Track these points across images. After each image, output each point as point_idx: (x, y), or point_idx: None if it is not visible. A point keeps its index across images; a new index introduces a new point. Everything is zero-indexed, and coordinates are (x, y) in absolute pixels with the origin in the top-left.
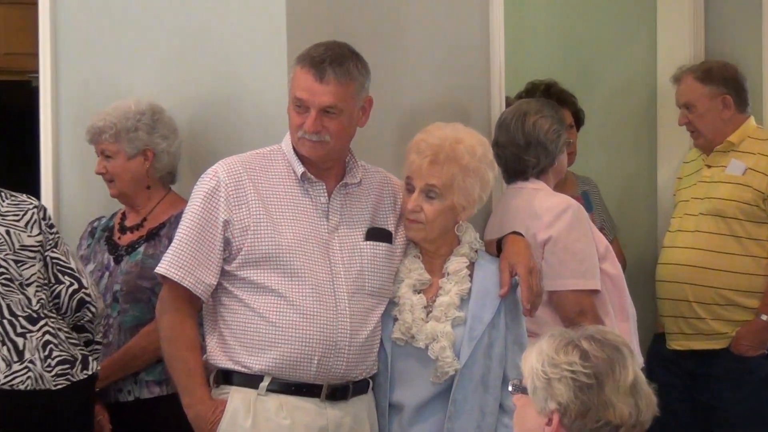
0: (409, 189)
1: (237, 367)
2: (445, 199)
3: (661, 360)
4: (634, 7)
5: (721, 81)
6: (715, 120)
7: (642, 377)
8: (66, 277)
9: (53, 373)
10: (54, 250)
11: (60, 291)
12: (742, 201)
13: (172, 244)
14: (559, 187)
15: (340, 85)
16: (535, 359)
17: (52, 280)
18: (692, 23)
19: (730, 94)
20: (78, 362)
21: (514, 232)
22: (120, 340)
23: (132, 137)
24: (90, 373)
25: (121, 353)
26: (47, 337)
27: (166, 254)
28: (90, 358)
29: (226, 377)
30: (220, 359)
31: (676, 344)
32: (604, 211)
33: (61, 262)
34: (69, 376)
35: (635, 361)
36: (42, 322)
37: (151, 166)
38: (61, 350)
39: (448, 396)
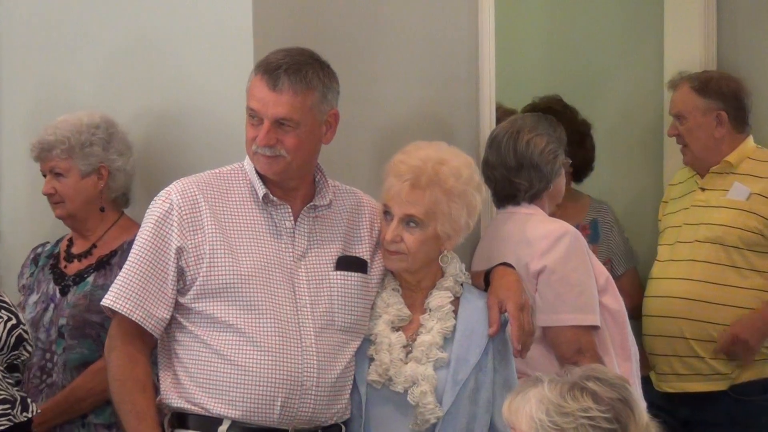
0: (387, 216)
1: (194, 409)
2: (428, 228)
3: (650, 408)
4: (640, 13)
5: (718, 95)
6: (706, 136)
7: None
8: (3, 311)
9: None
10: None
11: None
12: (746, 228)
13: (121, 273)
14: (570, 211)
15: (296, 95)
16: (537, 409)
17: None
18: (702, 31)
19: (727, 111)
20: (18, 403)
21: (504, 264)
22: (64, 378)
23: (87, 153)
24: (29, 416)
25: (66, 394)
26: None
27: (113, 284)
28: (28, 400)
29: (182, 420)
30: (174, 400)
31: (667, 386)
32: (616, 242)
33: None
34: (11, 417)
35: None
36: None
37: (105, 186)
38: (0, 389)
39: None
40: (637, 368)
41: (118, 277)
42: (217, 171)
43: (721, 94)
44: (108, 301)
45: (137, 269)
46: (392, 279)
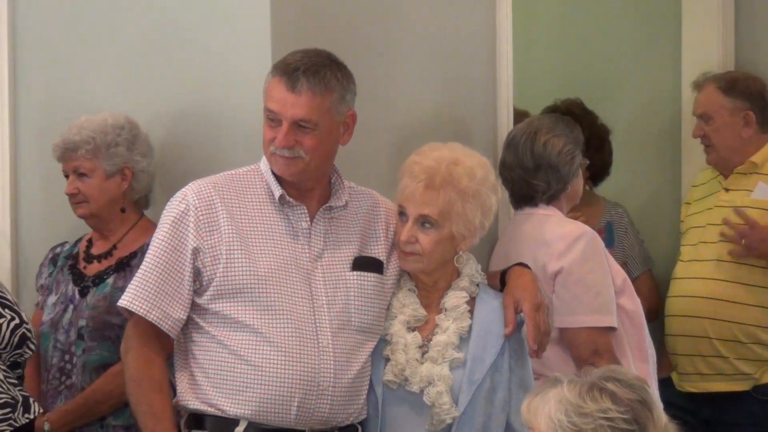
0: (402, 217)
1: (210, 410)
2: (443, 228)
3: (670, 408)
4: (658, 14)
5: (746, 95)
6: (733, 137)
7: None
8: (6, 310)
9: None
10: None
11: (0, 325)
12: None
13: (137, 274)
14: (585, 214)
15: (315, 96)
16: (556, 409)
17: None
18: (720, 32)
19: (754, 111)
20: (19, 404)
21: (520, 264)
22: (83, 380)
23: (112, 153)
24: (32, 417)
25: (85, 396)
26: None
27: (130, 285)
28: (31, 399)
29: (198, 421)
30: (191, 401)
31: (690, 386)
32: (631, 244)
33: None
34: (11, 421)
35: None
36: None
37: (129, 187)
38: (1, 392)
39: None
40: (654, 369)
41: (134, 278)
42: (233, 172)
43: (749, 94)
44: (125, 301)
45: (154, 270)
46: (408, 279)
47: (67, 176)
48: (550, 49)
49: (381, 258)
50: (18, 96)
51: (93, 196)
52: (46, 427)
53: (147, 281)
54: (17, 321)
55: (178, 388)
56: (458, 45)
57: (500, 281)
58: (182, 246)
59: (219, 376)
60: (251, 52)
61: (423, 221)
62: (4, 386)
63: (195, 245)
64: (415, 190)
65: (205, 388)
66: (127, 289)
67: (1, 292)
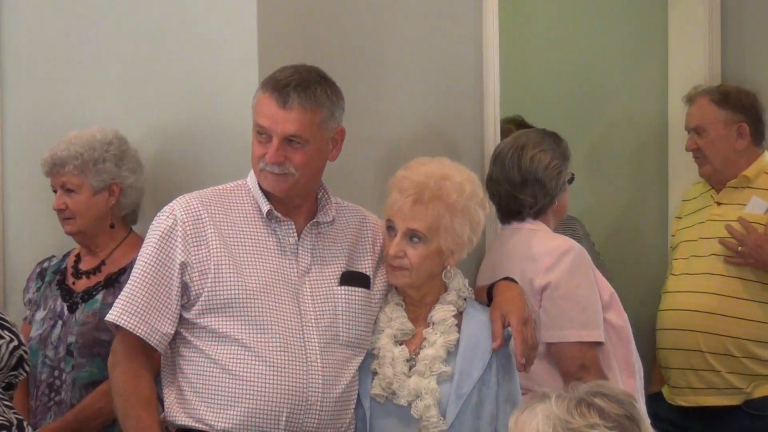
0: (391, 231)
1: (198, 425)
2: (431, 243)
3: (660, 423)
4: (645, 26)
5: (739, 107)
6: (727, 149)
7: None
8: (5, 331)
9: None
10: None
11: (0, 346)
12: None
13: (125, 288)
14: None
15: (306, 112)
16: (544, 424)
17: None
18: (707, 45)
19: (747, 123)
20: (14, 427)
21: (506, 278)
22: (73, 396)
23: (99, 169)
24: None
25: (75, 414)
26: None
27: (117, 300)
28: (24, 423)
29: None
30: (179, 416)
31: (682, 400)
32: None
33: None
34: None
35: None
36: None
37: (116, 203)
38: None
39: None
40: (641, 384)
41: (122, 293)
42: (221, 187)
43: (742, 106)
44: (112, 316)
45: (141, 285)
46: (395, 294)
47: (55, 191)
48: (537, 62)
49: (368, 273)
50: (5, 109)
51: (80, 212)
52: None
53: (135, 296)
54: (16, 343)
55: (165, 403)
56: (445, 59)
57: (487, 295)
58: (170, 260)
59: (207, 390)
60: (239, 68)
61: (411, 235)
62: (0, 408)
63: (183, 260)
64: (404, 204)
65: (193, 403)
66: (114, 304)
67: (0, 313)
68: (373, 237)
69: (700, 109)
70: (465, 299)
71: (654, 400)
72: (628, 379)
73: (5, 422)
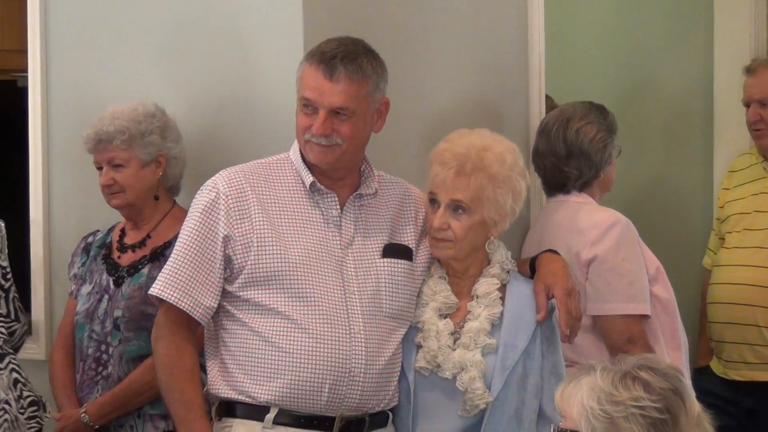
0: (434, 204)
1: (241, 398)
2: (475, 214)
3: (708, 397)
4: (690, 3)
5: None
6: None
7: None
8: (22, 315)
9: (26, 415)
10: (11, 281)
11: (16, 330)
12: None
13: (168, 262)
14: None
15: (352, 84)
16: (588, 396)
17: (12, 317)
18: (752, 21)
19: None
20: (41, 403)
21: (550, 250)
22: (120, 371)
23: (147, 142)
24: (48, 416)
25: (123, 387)
26: (15, 375)
27: (161, 274)
28: (43, 399)
29: (229, 409)
30: (222, 389)
31: (736, 374)
32: None
33: (17, 298)
34: (38, 419)
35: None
36: (6, 359)
37: (163, 174)
38: (28, 390)
39: (478, 431)
40: (687, 358)
41: (165, 266)
42: (263, 161)
43: None
44: (156, 290)
45: (185, 258)
46: (439, 267)
47: (99, 167)
48: (582, 39)
49: (410, 245)
50: (50, 87)
51: (130, 186)
52: (85, 418)
53: (178, 269)
54: (26, 327)
55: (208, 375)
56: (491, 33)
57: (530, 268)
58: (213, 234)
59: (250, 362)
60: (283, 41)
61: (455, 207)
62: (29, 384)
63: (226, 233)
64: (447, 176)
65: (236, 376)
66: (158, 278)
67: (17, 296)
68: (415, 209)
69: (763, 80)
70: (508, 271)
71: (702, 374)
72: (674, 352)
73: (36, 398)
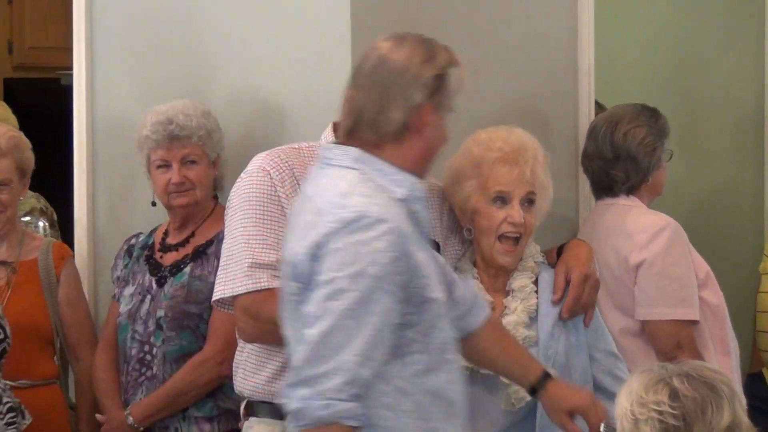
0: (497, 202)
1: (266, 398)
2: (536, 204)
3: (759, 402)
4: (741, 4)
5: None
6: None
7: (743, 421)
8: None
9: (5, 421)
10: None
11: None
12: None
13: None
14: None
15: None
16: (625, 398)
17: None
18: None
19: None
20: (19, 410)
21: (577, 239)
22: (164, 371)
23: (215, 139)
24: (27, 423)
25: (168, 388)
26: None
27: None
28: (22, 406)
29: (255, 409)
30: (245, 389)
31: None
32: None
33: None
34: (16, 426)
35: (737, 402)
36: None
37: (218, 172)
38: (8, 396)
39: (528, 423)
40: (737, 363)
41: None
42: (296, 146)
43: None
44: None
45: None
46: (469, 265)
47: (165, 165)
48: (632, 39)
49: (438, 240)
50: (95, 86)
51: (201, 183)
52: (129, 420)
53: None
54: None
55: (235, 374)
56: (540, 35)
57: (557, 254)
58: (281, 214)
59: (272, 362)
60: (331, 43)
61: (530, 200)
62: (8, 390)
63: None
64: (510, 172)
65: (260, 375)
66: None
67: None
68: (440, 205)
69: None
70: (539, 264)
71: (754, 380)
72: (723, 357)
73: (14, 404)
